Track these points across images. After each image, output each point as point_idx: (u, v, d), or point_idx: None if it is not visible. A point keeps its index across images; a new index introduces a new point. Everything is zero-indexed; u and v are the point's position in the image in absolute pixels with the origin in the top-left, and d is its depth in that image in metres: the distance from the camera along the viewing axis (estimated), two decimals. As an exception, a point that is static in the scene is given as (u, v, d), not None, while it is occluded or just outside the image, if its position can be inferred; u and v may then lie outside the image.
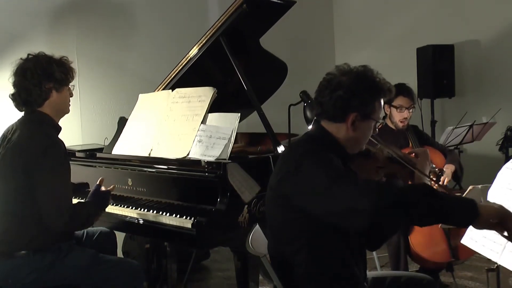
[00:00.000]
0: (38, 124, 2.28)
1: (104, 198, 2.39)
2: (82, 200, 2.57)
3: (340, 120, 1.76)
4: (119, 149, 2.89)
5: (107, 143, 3.07)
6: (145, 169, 2.67)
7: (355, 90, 1.73)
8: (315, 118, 1.89)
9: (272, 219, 1.82)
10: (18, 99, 2.30)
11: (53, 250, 2.21)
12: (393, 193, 1.53)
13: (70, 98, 2.40)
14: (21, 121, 2.33)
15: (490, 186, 1.85)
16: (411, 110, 3.17)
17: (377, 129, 1.84)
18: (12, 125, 2.34)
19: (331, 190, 1.57)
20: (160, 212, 2.47)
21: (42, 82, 2.26)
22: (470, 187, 2.00)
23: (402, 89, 3.15)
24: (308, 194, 1.63)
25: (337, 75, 1.77)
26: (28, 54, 2.32)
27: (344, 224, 1.62)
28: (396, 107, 3.16)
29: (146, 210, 2.55)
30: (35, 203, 2.16)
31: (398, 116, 3.15)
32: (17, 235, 2.21)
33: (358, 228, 1.61)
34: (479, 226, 1.55)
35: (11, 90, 2.33)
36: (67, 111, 2.41)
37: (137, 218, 2.55)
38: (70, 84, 2.37)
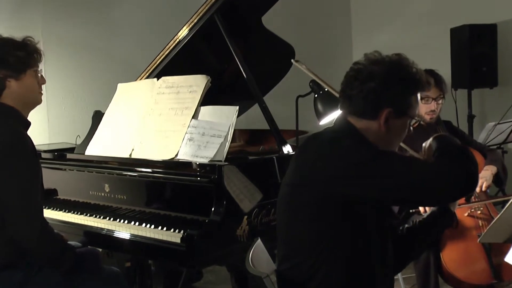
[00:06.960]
0: (1, 117, 2.30)
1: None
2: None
3: (372, 116, 1.79)
4: (93, 149, 2.91)
5: (79, 141, 3.09)
6: (125, 173, 2.69)
7: (389, 82, 1.77)
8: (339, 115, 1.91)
9: (285, 224, 1.83)
10: None
11: (22, 266, 2.23)
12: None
13: (43, 86, 2.40)
14: None
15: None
16: (440, 101, 3.18)
17: (411, 128, 1.87)
18: None
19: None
20: (144, 224, 2.49)
21: None
22: (514, 194, 2.02)
23: (428, 76, 3.16)
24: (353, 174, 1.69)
25: (366, 64, 1.80)
26: None
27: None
28: (421, 98, 3.16)
29: (126, 221, 2.56)
30: None
31: (424, 108, 3.16)
32: None
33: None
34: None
35: None
36: (37, 102, 2.41)
37: (115, 231, 2.57)
38: (33, 68, 2.36)
